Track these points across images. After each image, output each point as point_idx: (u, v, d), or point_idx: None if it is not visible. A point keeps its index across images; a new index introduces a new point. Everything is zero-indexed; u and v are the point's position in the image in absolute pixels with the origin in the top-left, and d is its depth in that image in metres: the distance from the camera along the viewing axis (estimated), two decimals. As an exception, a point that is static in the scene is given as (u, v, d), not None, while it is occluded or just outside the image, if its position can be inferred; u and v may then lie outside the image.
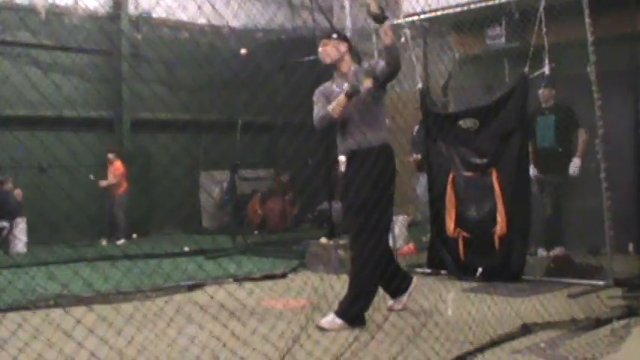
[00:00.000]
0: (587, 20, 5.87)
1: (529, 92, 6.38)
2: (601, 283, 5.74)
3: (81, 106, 11.66)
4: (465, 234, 6.47)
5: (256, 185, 13.72)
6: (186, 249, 9.65)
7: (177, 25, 13.06)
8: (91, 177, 11.55)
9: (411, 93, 7.05)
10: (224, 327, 4.03)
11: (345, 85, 4.65)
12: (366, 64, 4.85)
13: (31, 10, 11.32)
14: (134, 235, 12.16)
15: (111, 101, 12.74)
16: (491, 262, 6.19)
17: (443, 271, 6.59)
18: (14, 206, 10.74)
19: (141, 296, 5.96)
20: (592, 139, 6.45)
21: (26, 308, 5.39)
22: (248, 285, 6.22)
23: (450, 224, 6.56)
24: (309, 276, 6.63)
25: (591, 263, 6.26)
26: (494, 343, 3.90)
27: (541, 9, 6.07)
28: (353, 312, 4.51)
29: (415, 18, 7.53)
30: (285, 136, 11.43)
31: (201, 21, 11.79)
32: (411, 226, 9.29)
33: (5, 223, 10.57)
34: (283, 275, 7.02)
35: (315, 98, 4.80)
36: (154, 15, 12.88)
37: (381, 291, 4.88)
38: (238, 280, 6.76)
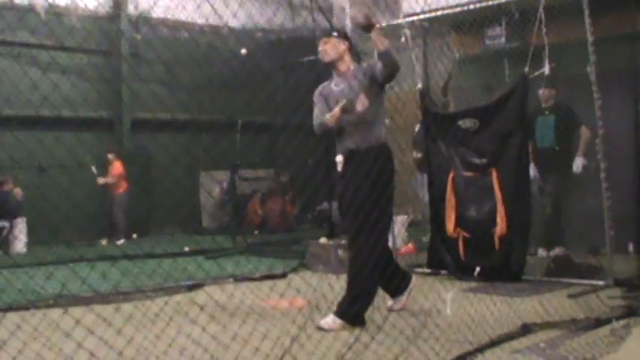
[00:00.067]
0: (587, 20, 5.87)
1: (529, 92, 6.38)
2: (601, 283, 5.74)
3: (81, 106, 11.66)
4: (464, 234, 6.47)
5: (256, 185, 13.72)
6: (187, 249, 9.65)
7: (177, 25, 13.07)
8: (93, 169, 11.54)
9: (411, 93, 7.05)
10: (224, 327, 4.03)
11: (342, 86, 4.65)
12: (365, 64, 4.84)
13: (31, 10, 11.32)
14: (134, 235, 12.16)
15: (111, 101, 12.74)
16: (491, 262, 6.19)
17: (443, 271, 6.59)
18: (14, 206, 10.74)
19: (141, 296, 5.96)
20: (592, 139, 6.45)
21: (26, 308, 5.39)
22: (248, 285, 6.22)
23: (450, 224, 6.56)
24: (309, 276, 6.62)
25: (591, 263, 6.26)
26: (494, 343, 3.89)
27: (541, 9, 6.07)
28: (353, 312, 4.51)
29: (415, 18, 7.53)
30: (284, 135, 11.44)
31: (201, 21, 11.80)
32: (411, 226, 9.29)
33: (5, 223, 10.57)
34: (283, 275, 7.02)
35: (315, 99, 4.81)
36: (154, 15, 12.87)
37: (381, 291, 4.88)
38: (238, 280, 6.76)
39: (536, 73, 6.27)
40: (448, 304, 4.83)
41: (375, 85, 4.60)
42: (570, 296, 5.31)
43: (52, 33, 11.28)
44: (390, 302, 5.04)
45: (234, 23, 11.82)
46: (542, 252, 7.43)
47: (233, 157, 11.73)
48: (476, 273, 6.18)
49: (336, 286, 4.78)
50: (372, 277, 4.55)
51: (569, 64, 6.63)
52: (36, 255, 8.80)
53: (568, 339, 4.01)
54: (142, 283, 6.45)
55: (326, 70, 4.98)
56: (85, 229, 11.44)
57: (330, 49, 4.69)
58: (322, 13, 9.86)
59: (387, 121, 5.08)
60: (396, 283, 4.94)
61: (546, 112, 7.53)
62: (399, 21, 7.20)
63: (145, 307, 5.26)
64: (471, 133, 6.48)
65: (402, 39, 6.99)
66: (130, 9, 13.07)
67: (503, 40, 8.11)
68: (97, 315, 4.26)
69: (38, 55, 11.50)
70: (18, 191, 10.85)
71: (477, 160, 6.49)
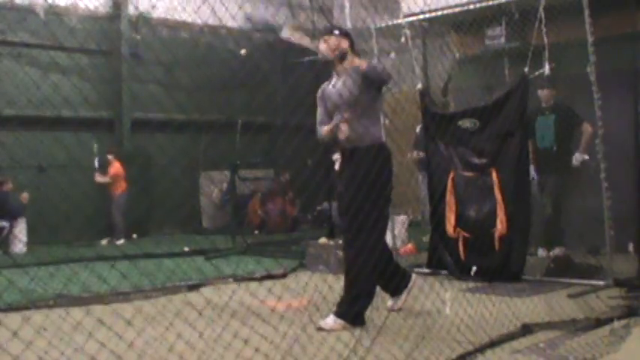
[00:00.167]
0: (587, 20, 5.87)
1: (529, 92, 6.38)
2: (601, 283, 5.74)
3: (81, 106, 11.65)
4: (465, 234, 6.47)
5: (256, 185, 13.71)
6: (186, 249, 9.65)
7: (177, 26, 13.07)
8: (96, 162, 11.53)
9: (411, 94, 7.05)
10: (224, 327, 4.03)
11: (339, 86, 4.67)
12: (364, 64, 4.83)
13: (31, 10, 11.32)
14: (134, 236, 12.16)
15: (111, 101, 12.74)
16: (491, 262, 6.19)
17: (443, 271, 6.59)
18: (16, 207, 10.71)
19: (140, 296, 5.96)
20: (593, 137, 6.45)
21: (26, 308, 5.39)
22: (248, 285, 6.21)
23: (450, 224, 6.56)
24: (309, 276, 6.62)
25: (591, 263, 6.26)
26: (494, 344, 3.89)
27: (541, 9, 6.07)
28: (353, 312, 4.51)
29: (415, 18, 7.52)
30: (284, 136, 11.43)
31: (201, 21, 11.79)
32: (411, 226, 9.29)
33: (5, 223, 10.57)
34: (283, 275, 7.02)
35: (318, 100, 4.84)
36: (154, 15, 12.87)
37: (381, 291, 4.87)
38: (238, 280, 6.76)
39: (536, 73, 6.27)
40: (448, 304, 4.82)
41: (371, 87, 4.60)
42: (570, 296, 5.31)
43: (52, 33, 11.28)
44: (389, 302, 5.04)
45: (234, 23, 11.83)
46: (542, 252, 7.43)
47: (233, 158, 11.74)
48: (472, 272, 6.19)
49: (336, 286, 4.77)
50: (372, 277, 4.56)
51: (569, 64, 6.63)
52: (36, 255, 8.80)
53: (568, 339, 4.01)
54: (142, 284, 6.44)
55: (325, 70, 4.98)
56: (85, 229, 11.43)
57: (330, 47, 4.69)
58: (322, 13, 9.86)
59: (387, 121, 5.08)
60: (396, 282, 4.93)
61: (546, 112, 7.53)
62: (399, 21, 7.20)
63: (144, 307, 5.26)
64: (470, 133, 6.49)
65: (402, 39, 6.98)
66: (130, 9, 13.07)
67: (503, 40, 8.11)
68: (96, 316, 4.26)
69: (38, 56, 11.51)
70: (25, 196, 10.81)
71: (476, 160, 6.49)
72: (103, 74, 12.56)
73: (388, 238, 5.51)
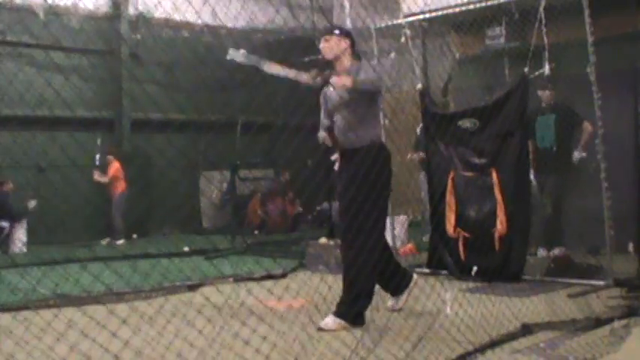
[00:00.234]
0: (587, 20, 5.87)
1: (529, 92, 6.38)
2: (601, 283, 5.74)
3: (81, 106, 11.67)
4: (465, 234, 6.47)
5: (256, 186, 13.71)
6: (186, 249, 9.65)
7: (177, 26, 13.07)
8: (97, 159, 11.51)
9: (411, 93, 7.05)
10: (223, 327, 4.03)
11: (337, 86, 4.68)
12: (364, 63, 4.83)
13: (31, 10, 11.33)
14: (134, 236, 12.16)
15: (110, 102, 12.74)
16: (491, 262, 6.19)
17: (443, 271, 6.59)
18: (19, 211, 10.69)
19: (139, 297, 5.95)
20: (593, 137, 6.45)
21: (26, 308, 5.38)
22: (248, 285, 6.21)
23: (450, 224, 6.56)
24: (309, 276, 6.62)
25: (591, 263, 6.26)
26: (494, 344, 3.89)
27: (541, 9, 6.07)
28: (353, 312, 4.50)
29: (415, 18, 7.52)
30: (284, 136, 11.43)
31: (201, 21, 11.79)
32: (411, 226, 9.29)
33: (5, 224, 10.56)
34: (283, 275, 7.02)
35: (321, 101, 4.85)
36: (154, 15, 12.87)
37: (382, 291, 4.87)
38: (238, 280, 6.76)
39: (536, 73, 6.28)
40: (448, 304, 4.82)
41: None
42: (570, 296, 5.31)
43: (52, 34, 11.28)
44: (390, 302, 5.04)
45: (234, 24, 11.83)
46: (542, 252, 7.42)
47: (233, 158, 11.73)
48: (473, 272, 6.19)
49: (336, 286, 4.77)
50: (371, 277, 4.55)
51: (569, 64, 6.63)
52: (36, 255, 8.80)
53: (568, 339, 4.01)
54: (141, 284, 6.44)
55: (326, 70, 4.98)
56: (85, 229, 11.44)
57: (331, 47, 4.68)
58: (322, 13, 9.86)
59: (386, 121, 5.08)
60: (396, 282, 4.93)
61: (546, 112, 7.53)
62: (399, 21, 7.20)
63: (144, 307, 5.26)
64: (470, 133, 6.48)
65: (402, 39, 6.98)
66: (130, 9, 13.07)
67: (503, 40, 8.11)
68: (95, 316, 4.26)
69: (38, 56, 11.51)
70: (32, 202, 10.79)
71: (476, 160, 6.49)
72: (103, 74, 12.56)
73: (388, 238, 5.51)
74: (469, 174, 6.53)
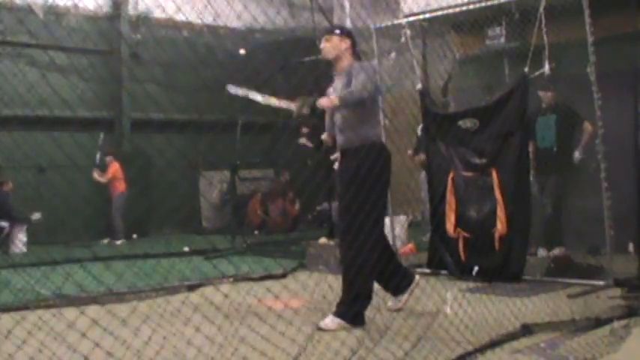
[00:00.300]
0: (587, 20, 5.87)
1: (529, 92, 6.37)
2: (601, 283, 5.74)
3: (81, 106, 11.66)
4: (465, 234, 6.47)
5: (256, 186, 13.71)
6: (186, 249, 9.65)
7: (177, 26, 13.05)
8: (97, 157, 11.49)
9: (411, 93, 7.05)
10: (223, 327, 4.02)
11: (335, 86, 4.65)
12: (365, 63, 4.83)
13: (31, 10, 11.32)
14: (134, 236, 12.16)
15: (110, 102, 12.74)
16: (491, 263, 6.18)
17: (443, 271, 6.59)
18: (21, 218, 10.68)
19: (139, 297, 5.95)
20: (593, 137, 6.45)
21: (25, 308, 5.38)
22: (247, 285, 6.21)
23: (450, 224, 6.56)
24: (308, 276, 6.62)
25: (591, 263, 6.26)
26: (494, 344, 3.89)
27: (541, 9, 6.07)
28: (352, 312, 4.50)
29: (415, 18, 7.52)
30: (285, 136, 11.42)
31: (201, 21, 11.78)
32: (411, 226, 9.29)
33: (5, 224, 10.57)
34: (283, 275, 7.02)
35: None
36: (154, 15, 12.87)
37: (382, 292, 4.86)
38: (237, 280, 6.75)
39: (537, 73, 6.27)
40: (448, 304, 4.82)
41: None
42: (570, 296, 5.31)
43: (52, 34, 11.28)
44: (390, 302, 5.03)
45: (234, 24, 11.83)
46: (542, 252, 7.42)
47: (233, 158, 11.73)
48: (474, 273, 6.19)
49: (336, 286, 4.77)
50: (370, 277, 4.55)
51: (569, 64, 6.63)
52: (36, 255, 8.80)
53: (568, 339, 4.01)
54: (141, 284, 6.43)
55: (327, 70, 4.98)
56: (85, 229, 11.44)
57: (331, 47, 4.67)
58: (322, 13, 9.86)
59: (386, 121, 5.08)
60: (397, 281, 4.92)
61: (547, 113, 7.53)
62: (399, 21, 7.19)
63: (143, 307, 5.26)
64: (471, 133, 6.48)
65: (402, 39, 6.98)
66: (130, 9, 13.07)
67: (503, 40, 8.11)
68: (94, 316, 4.25)
69: (38, 56, 11.50)
70: (37, 215, 10.78)
71: (477, 160, 6.48)
72: (103, 74, 12.56)
73: (388, 238, 5.51)
74: (469, 174, 6.53)
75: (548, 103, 7.55)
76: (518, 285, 5.85)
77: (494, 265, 6.16)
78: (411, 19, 7.42)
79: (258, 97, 4.59)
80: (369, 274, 4.52)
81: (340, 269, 4.74)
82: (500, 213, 6.22)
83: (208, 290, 6.08)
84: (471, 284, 6.04)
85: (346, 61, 4.68)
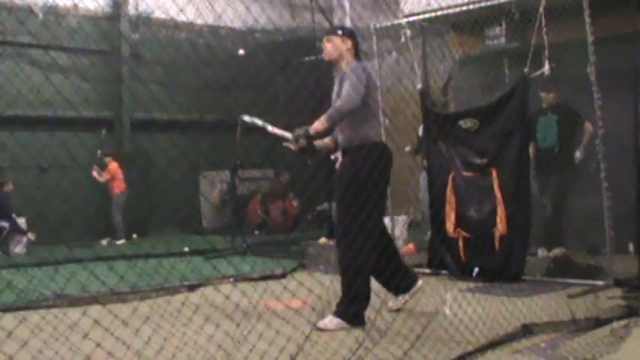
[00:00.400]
0: (587, 20, 5.87)
1: (529, 92, 6.38)
2: (601, 283, 5.74)
3: (81, 106, 11.65)
4: (465, 234, 6.47)
5: (256, 186, 13.71)
6: (186, 249, 9.65)
7: (178, 26, 13.07)
8: (98, 154, 11.49)
9: (411, 93, 7.05)
10: (223, 327, 4.03)
11: (334, 87, 4.66)
12: (366, 63, 4.83)
13: (31, 11, 11.32)
14: (134, 236, 12.16)
15: (111, 102, 12.74)
16: (491, 263, 6.19)
17: (443, 271, 6.59)
18: (18, 229, 10.67)
19: (139, 297, 5.95)
20: (593, 138, 6.45)
21: (25, 308, 5.39)
22: (247, 285, 6.21)
23: (450, 224, 6.56)
24: (308, 276, 6.62)
25: (591, 263, 6.26)
26: (494, 344, 3.89)
27: (541, 9, 6.07)
28: (351, 312, 4.50)
29: (415, 18, 7.53)
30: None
31: (201, 22, 11.79)
32: (411, 226, 9.29)
33: (5, 224, 10.57)
34: (283, 275, 7.02)
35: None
36: (154, 15, 12.87)
37: (382, 293, 4.86)
38: (237, 280, 6.75)
39: (537, 73, 6.27)
40: (448, 304, 4.82)
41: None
42: (570, 296, 5.30)
43: (52, 34, 11.29)
44: (391, 303, 5.02)
45: (235, 24, 11.83)
46: (542, 252, 7.42)
47: (233, 158, 11.73)
48: (474, 273, 6.19)
49: (336, 286, 4.77)
50: (368, 277, 4.56)
51: (569, 64, 6.63)
52: (36, 255, 8.80)
53: (568, 339, 4.01)
54: (141, 284, 6.43)
55: (327, 72, 4.99)
56: (86, 229, 11.44)
57: (332, 47, 4.67)
58: (322, 13, 9.86)
59: (386, 121, 5.09)
60: (397, 281, 4.90)
61: (548, 113, 7.53)
62: (399, 21, 7.20)
63: (143, 308, 5.26)
64: (471, 134, 6.48)
65: (402, 39, 6.99)
66: (130, 10, 13.07)
67: (503, 40, 8.11)
68: (94, 316, 4.25)
69: (38, 56, 11.51)
70: (31, 236, 10.76)
71: (477, 161, 6.49)
72: (103, 74, 12.57)
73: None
74: (470, 174, 6.53)
75: (549, 104, 7.55)
76: (518, 285, 5.85)
77: (494, 265, 6.16)
78: (411, 19, 7.43)
79: (268, 127, 4.78)
80: (367, 274, 4.52)
81: (339, 269, 4.74)
82: (501, 213, 6.22)
83: (208, 290, 6.09)
84: (471, 284, 6.04)
85: (344, 63, 4.66)
